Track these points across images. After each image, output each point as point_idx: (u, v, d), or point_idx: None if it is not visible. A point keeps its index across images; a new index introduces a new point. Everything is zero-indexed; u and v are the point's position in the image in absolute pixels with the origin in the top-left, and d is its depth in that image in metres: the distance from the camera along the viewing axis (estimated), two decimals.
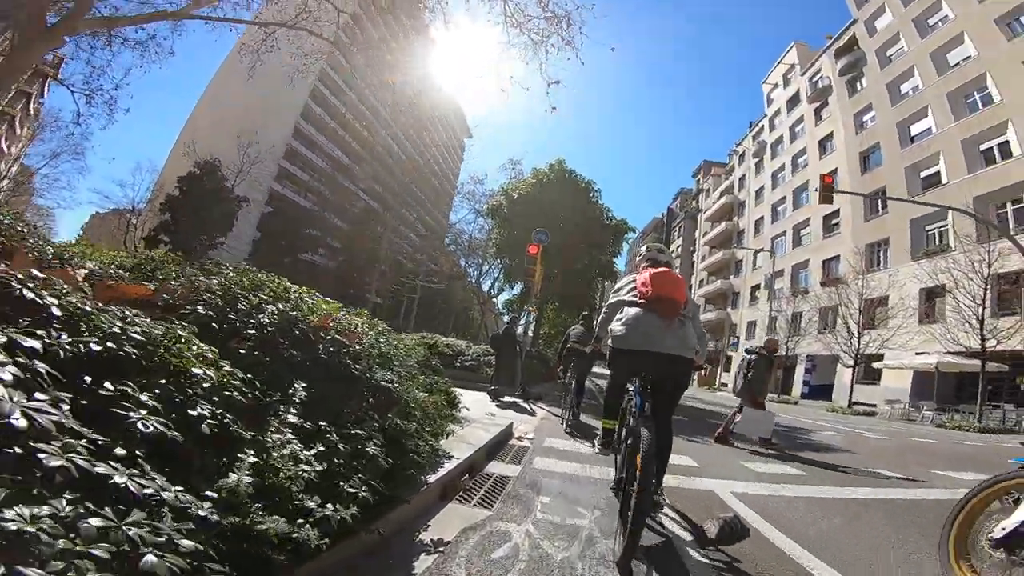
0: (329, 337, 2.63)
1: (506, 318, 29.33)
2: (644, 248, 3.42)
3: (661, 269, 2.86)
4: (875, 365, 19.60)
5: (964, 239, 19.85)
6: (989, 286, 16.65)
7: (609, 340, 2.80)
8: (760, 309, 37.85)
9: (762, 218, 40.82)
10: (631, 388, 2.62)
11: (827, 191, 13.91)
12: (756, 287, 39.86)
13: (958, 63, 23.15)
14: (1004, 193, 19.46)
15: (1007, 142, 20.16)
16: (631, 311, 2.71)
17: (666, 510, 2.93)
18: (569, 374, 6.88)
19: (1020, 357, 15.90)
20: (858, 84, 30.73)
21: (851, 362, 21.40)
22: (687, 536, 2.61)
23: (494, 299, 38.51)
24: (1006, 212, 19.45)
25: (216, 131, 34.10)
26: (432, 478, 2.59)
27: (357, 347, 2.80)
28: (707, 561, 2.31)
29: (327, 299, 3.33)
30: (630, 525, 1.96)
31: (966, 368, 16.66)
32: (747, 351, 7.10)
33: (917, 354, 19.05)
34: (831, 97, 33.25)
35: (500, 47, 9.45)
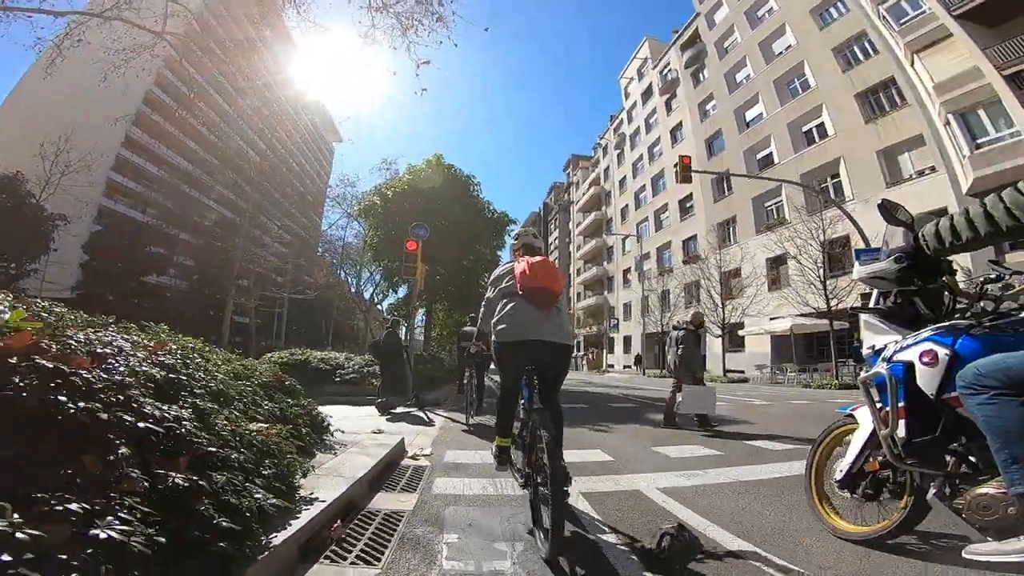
0: (26, 365, 1.48)
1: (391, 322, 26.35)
2: (519, 232, 3.12)
3: (538, 259, 2.71)
4: (740, 333, 20.67)
5: (800, 210, 22.02)
6: (824, 251, 18.36)
7: (493, 336, 2.65)
8: (633, 291, 39.58)
9: (627, 206, 42.84)
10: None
11: (686, 171, 14.83)
12: (627, 270, 41.69)
13: (781, 52, 25.74)
14: (824, 169, 21.81)
15: (823, 123, 22.70)
16: (511, 303, 2.60)
17: (605, 529, 2.43)
18: (468, 373, 6.85)
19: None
20: (700, 75, 33.23)
21: (719, 332, 22.47)
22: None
23: (377, 306, 34.98)
24: (827, 186, 21.81)
25: (23, 143, 27.54)
26: (280, 537, 1.73)
27: (90, 375, 1.62)
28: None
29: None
30: (552, 517, 1.89)
31: (817, 329, 18.13)
32: (674, 327, 6.78)
33: (771, 319, 20.45)
34: (679, 88, 35.64)
35: (364, 32, 8.38)
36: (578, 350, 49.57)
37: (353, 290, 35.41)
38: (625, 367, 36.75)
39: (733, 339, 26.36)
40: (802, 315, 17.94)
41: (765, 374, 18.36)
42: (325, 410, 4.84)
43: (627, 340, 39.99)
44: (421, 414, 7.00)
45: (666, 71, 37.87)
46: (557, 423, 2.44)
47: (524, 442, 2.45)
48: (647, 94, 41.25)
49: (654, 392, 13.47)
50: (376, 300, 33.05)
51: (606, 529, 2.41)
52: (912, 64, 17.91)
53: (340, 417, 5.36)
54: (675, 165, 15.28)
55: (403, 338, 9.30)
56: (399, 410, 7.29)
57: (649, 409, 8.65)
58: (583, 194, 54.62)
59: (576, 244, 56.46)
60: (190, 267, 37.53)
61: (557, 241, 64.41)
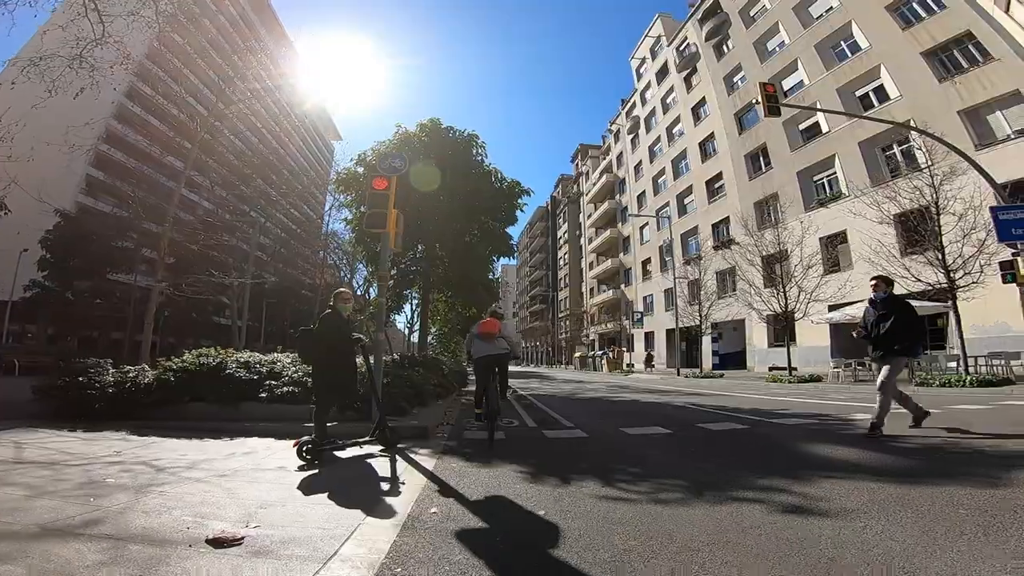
0: None
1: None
2: (492, 307, 7.48)
3: (487, 319, 5.67)
4: (813, 320, 17.67)
5: (851, 183, 19.53)
6: (936, 213, 15.71)
7: (469, 355, 5.64)
8: (655, 283, 37.09)
9: (644, 192, 40.31)
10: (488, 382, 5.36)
11: (772, 101, 12.23)
12: (647, 261, 39.16)
13: (821, 15, 23.27)
14: (888, 135, 19.30)
15: (881, 86, 20.20)
16: (476, 341, 5.50)
17: None
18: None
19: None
20: (724, 47, 30.74)
21: (767, 322, 19.92)
22: None
23: (368, 301, 32.50)
24: (894, 153, 19.30)
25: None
26: None
27: None
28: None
29: None
30: (491, 423, 5.10)
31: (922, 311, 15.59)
32: (871, 302, 5.28)
33: (833, 307, 17.84)
34: (700, 63, 33.16)
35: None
36: (594, 349, 47.05)
37: (347, 279, 32.83)
38: (649, 367, 34.16)
39: (777, 332, 23.85)
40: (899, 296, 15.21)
41: (842, 371, 15.53)
42: (231, 446, 4.15)
43: (649, 337, 37.44)
44: (384, 462, 4.06)
45: (683, 47, 35.39)
46: (502, 383, 5.49)
47: (484, 397, 5.27)
48: (662, 73, 38.77)
49: (738, 396, 10.90)
50: (360, 289, 30.16)
51: None
52: (1008, 9, 15.44)
53: (215, 474, 3.49)
54: (756, 100, 13.10)
55: (363, 329, 5.55)
56: (347, 452, 4.32)
57: (830, 431, 5.45)
58: (594, 184, 52.10)
59: (587, 236, 53.91)
60: (171, 265, 34.74)
61: (567, 235, 61.91)
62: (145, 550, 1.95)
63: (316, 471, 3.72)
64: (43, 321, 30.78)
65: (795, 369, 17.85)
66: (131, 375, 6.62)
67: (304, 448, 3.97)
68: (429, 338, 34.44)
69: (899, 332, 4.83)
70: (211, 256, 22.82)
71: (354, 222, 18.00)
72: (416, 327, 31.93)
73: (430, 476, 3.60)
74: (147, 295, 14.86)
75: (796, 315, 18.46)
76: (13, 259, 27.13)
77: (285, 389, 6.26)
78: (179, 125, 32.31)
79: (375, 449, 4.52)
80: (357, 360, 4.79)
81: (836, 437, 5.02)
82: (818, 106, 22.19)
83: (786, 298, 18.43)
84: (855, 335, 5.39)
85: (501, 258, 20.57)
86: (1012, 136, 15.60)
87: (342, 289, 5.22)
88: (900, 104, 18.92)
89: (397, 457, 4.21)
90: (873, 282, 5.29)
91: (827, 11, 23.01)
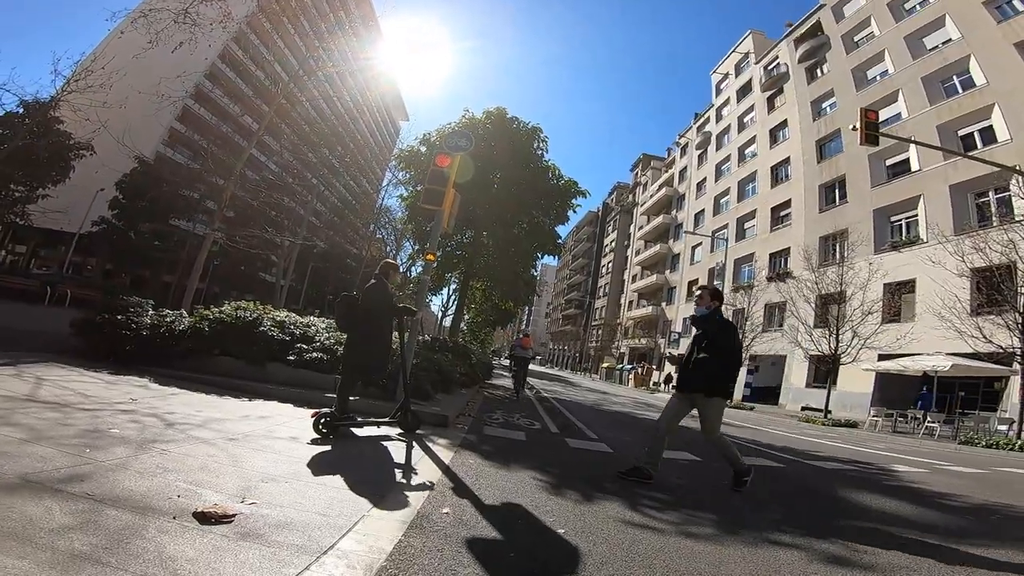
0: None
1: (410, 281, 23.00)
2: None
3: (524, 337, 12.92)
4: (865, 367, 16.61)
5: (933, 229, 17.86)
6: (979, 280, 14.45)
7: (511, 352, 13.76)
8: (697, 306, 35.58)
9: (703, 210, 38.69)
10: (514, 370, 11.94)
11: (872, 130, 11.72)
12: (693, 282, 37.62)
13: (936, 46, 21.32)
14: (985, 181, 17.48)
15: (990, 127, 18.31)
16: (517, 347, 12.47)
17: None
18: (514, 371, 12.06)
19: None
20: (819, 71, 28.85)
21: (811, 361, 18.61)
22: None
23: (409, 279, 33.00)
24: (988, 200, 17.49)
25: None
26: None
27: None
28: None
29: None
30: (519, 390, 11.21)
31: (970, 373, 14.23)
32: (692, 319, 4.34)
33: (883, 356, 16.48)
34: (787, 84, 31.31)
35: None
36: (622, 362, 45.90)
37: (392, 254, 33.08)
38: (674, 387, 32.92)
39: (817, 374, 22.33)
40: (962, 355, 13.85)
41: (888, 419, 14.44)
42: (248, 408, 4.06)
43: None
44: (400, 447, 3.83)
45: (772, 66, 33.54)
46: (520, 377, 11.43)
47: (514, 382, 11.46)
48: (744, 90, 36.95)
49: (770, 432, 10.32)
50: (404, 269, 30.17)
51: None
52: None
53: (225, 436, 3.29)
54: (853, 126, 12.39)
55: (404, 303, 4.86)
56: (364, 431, 4.11)
57: (871, 480, 5.13)
58: (651, 196, 50.61)
59: (635, 248, 52.51)
60: (231, 218, 35.98)
61: (614, 243, 60.61)
62: (121, 517, 1.70)
63: (329, 447, 3.52)
64: (102, 256, 32.74)
65: (830, 412, 16.73)
66: (168, 319, 6.51)
67: (321, 420, 3.78)
68: (462, 325, 34.34)
69: (715, 368, 3.64)
70: (269, 214, 23.65)
71: (409, 200, 18.17)
72: (451, 311, 31.99)
73: (445, 470, 3.35)
74: (201, 243, 15.43)
75: (844, 359, 17.22)
76: (90, 196, 29.04)
77: (314, 355, 6.15)
78: (261, 88, 33.73)
79: (393, 432, 4.30)
80: (393, 335, 4.54)
81: (878, 487, 4.79)
82: (914, 139, 20.47)
83: (838, 340, 17.30)
84: (668, 360, 4.52)
85: (545, 255, 20.24)
86: None
87: (392, 261, 4.98)
88: (1008, 148, 17.06)
89: (414, 444, 3.99)
90: (698, 292, 4.16)
91: (944, 43, 21.04)
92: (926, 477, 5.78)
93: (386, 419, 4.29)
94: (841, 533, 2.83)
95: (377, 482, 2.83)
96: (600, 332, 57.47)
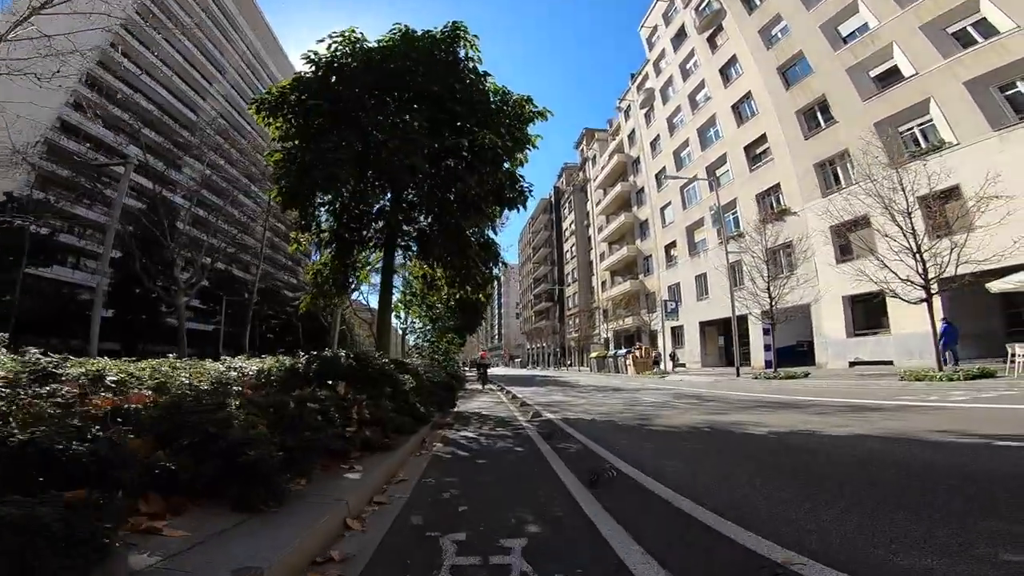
0: None
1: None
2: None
3: (483, 352, 27.62)
4: (997, 287, 12.52)
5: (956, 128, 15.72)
6: None
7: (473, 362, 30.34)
8: (682, 269, 33.21)
9: (663, 168, 36.35)
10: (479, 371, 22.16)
11: None
12: (671, 245, 35.28)
13: None
14: (1007, 71, 15.46)
15: (983, 19, 16.40)
16: (477, 359, 25.25)
17: None
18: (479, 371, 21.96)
19: None
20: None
21: (846, 305, 15.54)
22: None
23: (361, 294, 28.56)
24: (1018, 91, 15.46)
25: None
26: None
27: None
28: None
29: None
30: (483, 383, 19.92)
31: None
32: None
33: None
34: (725, 20, 29.28)
35: None
36: (610, 347, 43.06)
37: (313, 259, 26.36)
38: (677, 366, 30.23)
39: (858, 318, 19.98)
40: None
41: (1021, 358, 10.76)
42: None
43: (677, 332, 33.54)
44: None
45: (703, 5, 31.52)
46: (483, 376, 21.35)
47: (480, 378, 21.12)
48: (679, 37, 34.85)
49: (896, 408, 6.58)
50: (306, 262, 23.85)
51: None
52: None
53: None
54: None
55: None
56: None
57: None
58: (602, 168, 48.14)
59: (597, 225, 49.97)
60: (116, 261, 28.69)
61: (573, 225, 57.98)
62: None
63: None
64: None
65: (890, 363, 13.77)
66: None
67: None
68: (411, 336, 28.34)
69: None
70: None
71: (277, 167, 9.38)
72: (405, 323, 26.67)
73: None
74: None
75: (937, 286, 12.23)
76: None
77: None
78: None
79: None
80: None
81: None
82: (900, 46, 18.43)
83: (923, 260, 12.11)
84: None
85: (506, 208, 10.94)
86: None
87: None
88: (1017, 37, 15.11)
89: None
90: None
91: None
92: None
93: None
94: None
95: None
96: (577, 320, 54.63)
